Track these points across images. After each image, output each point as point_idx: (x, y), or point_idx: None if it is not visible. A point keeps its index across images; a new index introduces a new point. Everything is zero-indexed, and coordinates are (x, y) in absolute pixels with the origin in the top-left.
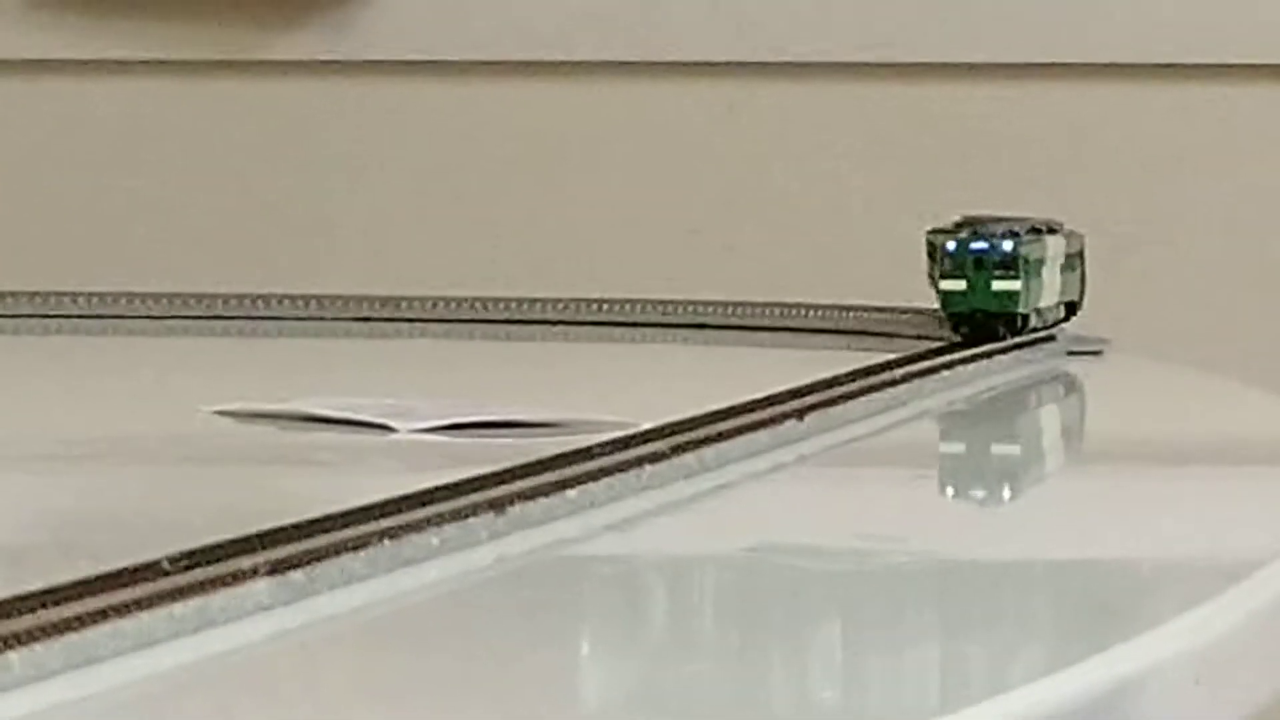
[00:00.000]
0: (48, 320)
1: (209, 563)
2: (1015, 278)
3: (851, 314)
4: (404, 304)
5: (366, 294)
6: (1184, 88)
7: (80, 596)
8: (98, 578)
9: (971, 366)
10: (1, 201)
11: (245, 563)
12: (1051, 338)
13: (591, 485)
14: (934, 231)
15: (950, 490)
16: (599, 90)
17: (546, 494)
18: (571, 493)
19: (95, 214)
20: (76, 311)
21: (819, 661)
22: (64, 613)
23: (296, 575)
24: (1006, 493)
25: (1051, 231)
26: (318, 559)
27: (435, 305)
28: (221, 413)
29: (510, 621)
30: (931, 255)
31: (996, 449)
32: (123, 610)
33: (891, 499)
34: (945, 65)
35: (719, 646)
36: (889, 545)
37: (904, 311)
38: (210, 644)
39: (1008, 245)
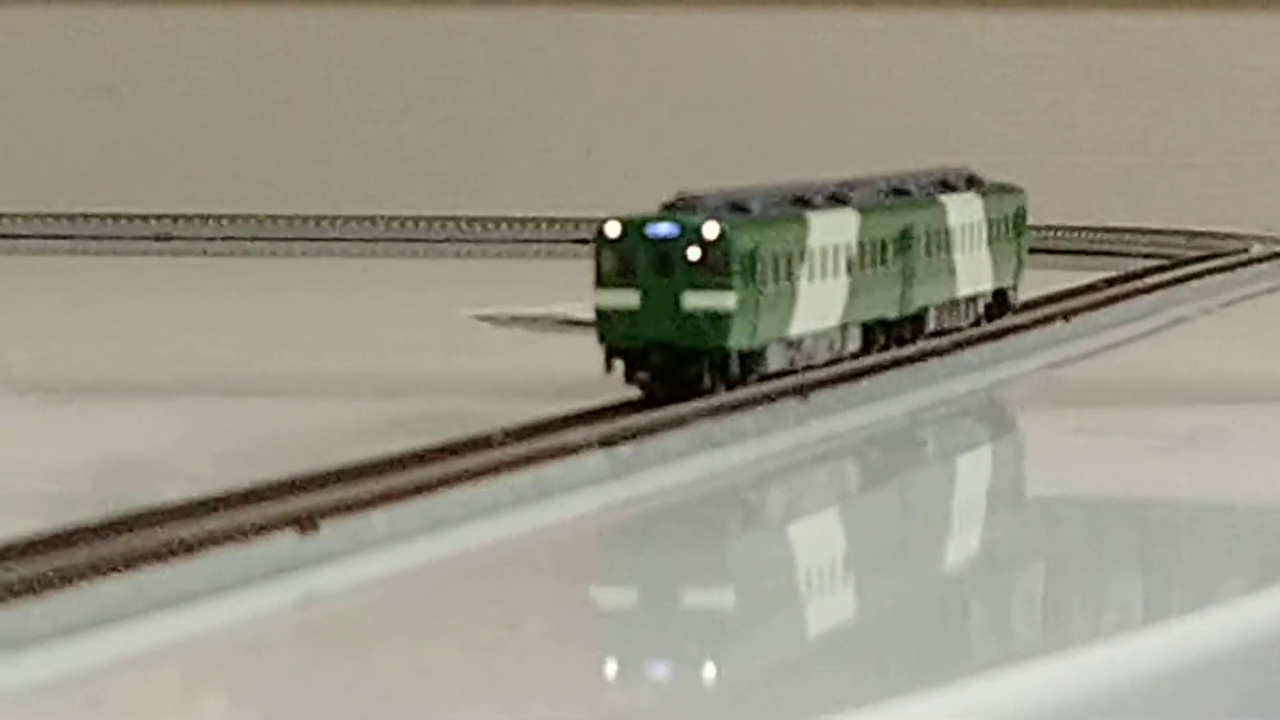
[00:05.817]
0: (304, 244)
1: (539, 436)
2: (727, 287)
3: (1074, 233)
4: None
5: (582, 217)
6: None
7: (427, 463)
8: (433, 449)
9: (1207, 280)
10: (257, 132)
11: (577, 435)
12: None
13: (882, 377)
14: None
15: (1189, 410)
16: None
17: (844, 382)
18: (865, 382)
19: (340, 144)
20: (321, 234)
21: (1021, 575)
22: (415, 478)
23: (624, 449)
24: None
25: (949, 188)
26: (644, 434)
27: None
28: (480, 317)
29: (817, 497)
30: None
31: (1236, 364)
32: (468, 477)
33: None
34: None
35: (979, 526)
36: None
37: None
38: (548, 513)
39: (711, 230)
